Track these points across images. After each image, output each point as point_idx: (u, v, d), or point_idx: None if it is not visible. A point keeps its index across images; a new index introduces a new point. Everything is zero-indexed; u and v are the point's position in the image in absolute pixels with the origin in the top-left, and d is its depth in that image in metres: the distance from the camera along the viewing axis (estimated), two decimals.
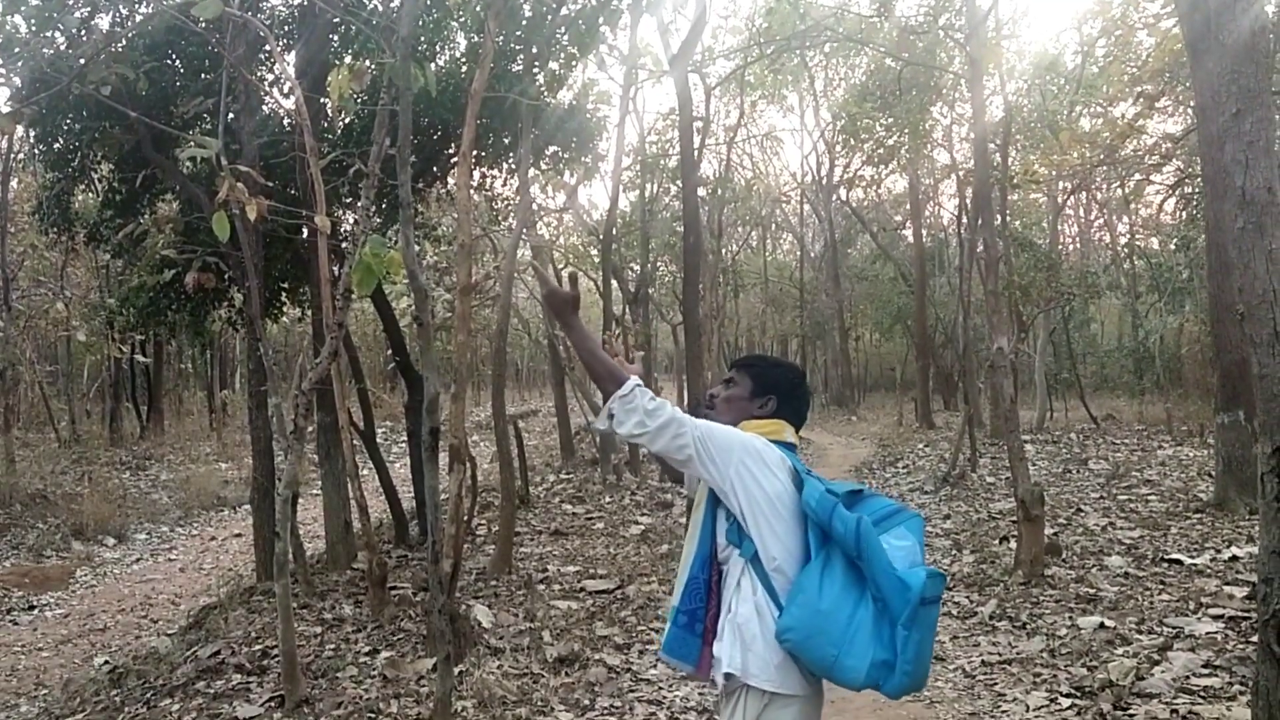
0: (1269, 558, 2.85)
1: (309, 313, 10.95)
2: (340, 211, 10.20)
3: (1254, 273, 3.01)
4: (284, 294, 11.10)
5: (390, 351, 12.88)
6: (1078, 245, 33.44)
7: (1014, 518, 8.90)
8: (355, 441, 8.48)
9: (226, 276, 9.38)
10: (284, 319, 15.85)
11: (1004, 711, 5.31)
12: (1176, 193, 19.18)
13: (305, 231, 9.47)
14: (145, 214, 9.99)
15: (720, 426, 2.61)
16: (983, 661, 6.17)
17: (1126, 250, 24.52)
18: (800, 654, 2.49)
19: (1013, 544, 8.58)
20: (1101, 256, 28.82)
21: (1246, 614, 6.25)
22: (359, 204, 6.78)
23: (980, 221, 11.14)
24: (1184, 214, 20.00)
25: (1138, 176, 19.53)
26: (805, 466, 2.68)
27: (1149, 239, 26.43)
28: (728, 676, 2.53)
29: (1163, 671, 5.42)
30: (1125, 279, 24.45)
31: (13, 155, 17.52)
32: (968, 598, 7.69)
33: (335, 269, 8.17)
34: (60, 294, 18.59)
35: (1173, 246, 21.93)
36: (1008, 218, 18.70)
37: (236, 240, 7.86)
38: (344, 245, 9.64)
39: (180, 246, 9.25)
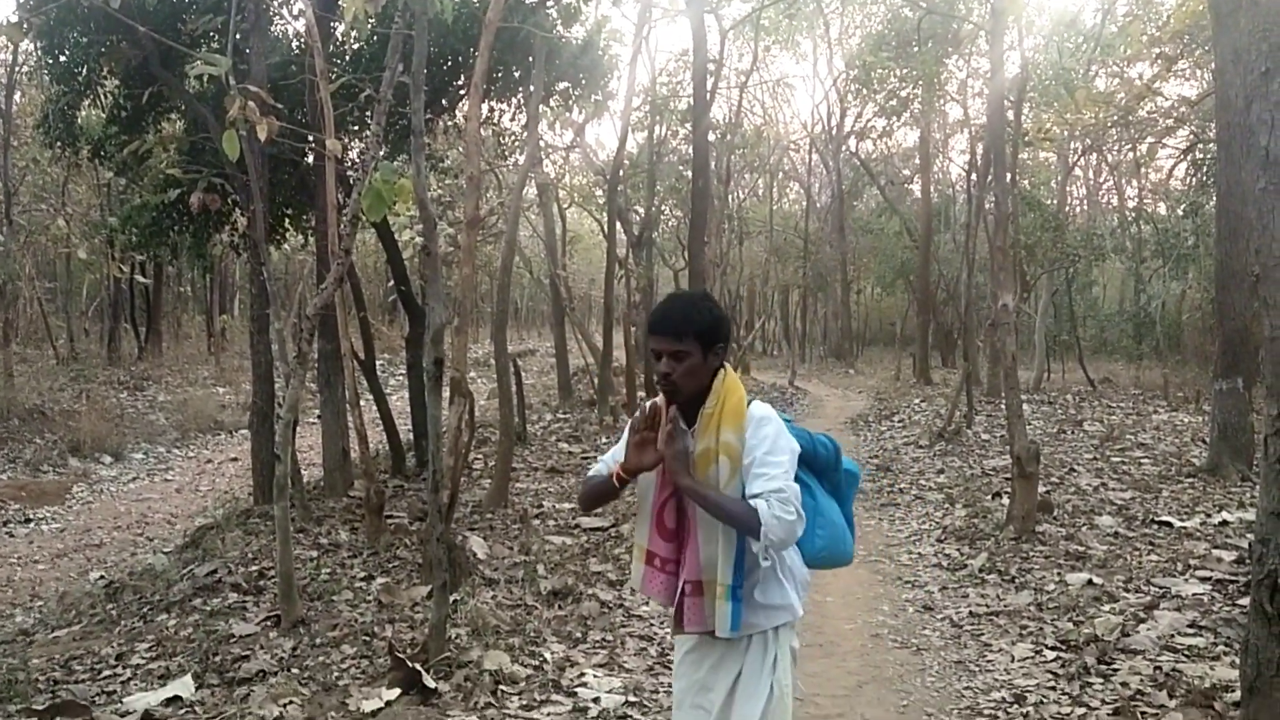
0: (1267, 519, 2.86)
1: (311, 240, 10.90)
2: (346, 139, 10.10)
3: (1273, 234, 2.98)
4: (287, 219, 11.04)
5: (391, 283, 12.82)
6: (1085, 208, 33.26)
7: (1007, 475, 8.96)
8: (355, 370, 8.49)
9: (231, 199, 9.32)
10: (285, 246, 15.78)
11: (989, 661, 5.39)
12: (1188, 158, 19.04)
13: (311, 157, 9.38)
14: (150, 132, 9.88)
15: (788, 462, 2.57)
16: (970, 612, 6.24)
17: (1134, 214, 24.38)
18: (826, 563, 2.85)
19: (1005, 500, 8.64)
20: (1108, 220, 28.67)
21: (1234, 577, 6.32)
22: (367, 131, 6.70)
23: (991, 177, 11.06)
24: (1194, 180, 19.86)
25: (1150, 139, 19.35)
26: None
27: (1157, 204, 26.27)
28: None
29: (1148, 629, 5.49)
30: (1130, 243, 24.34)
31: (18, 67, 17.30)
32: (958, 550, 7.76)
33: (341, 196, 8.11)
34: (61, 210, 18.46)
35: (1180, 212, 21.79)
36: (1017, 176, 18.55)
37: (243, 162, 7.81)
38: (350, 173, 9.57)
39: (185, 166, 9.19)
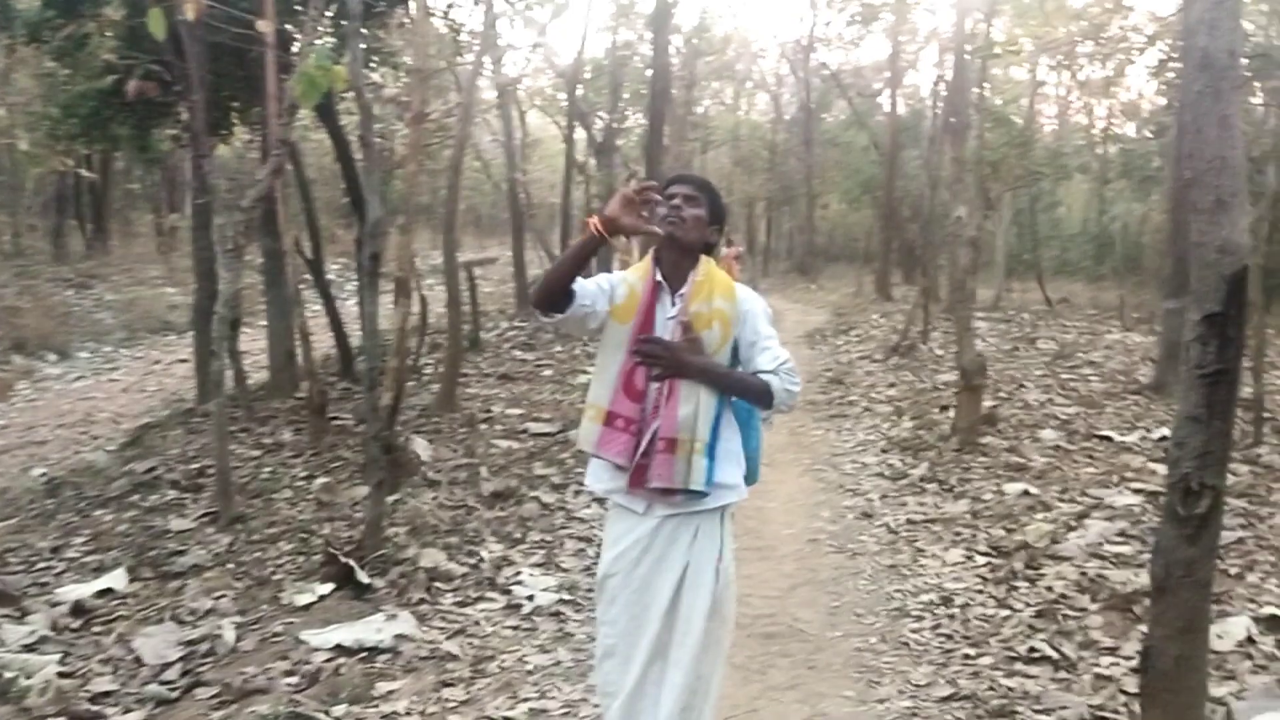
0: (1183, 423, 2.88)
1: (262, 138, 10.58)
2: (294, 27, 9.73)
3: (1205, 139, 2.93)
4: (234, 114, 10.68)
5: (345, 185, 12.51)
6: (1054, 126, 33.09)
7: (956, 389, 9.02)
8: (302, 268, 8.32)
9: (173, 89, 9.00)
10: (236, 143, 15.32)
11: (922, 566, 5.47)
12: (1158, 78, 18.89)
13: (256, 50, 9.00)
14: (88, 16, 9.46)
15: (773, 330, 2.79)
16: (908, 520, 6.32)
17: (1102, 134, 24.31)
18: (752, 464, 2.89)
19: (952, 413, 8.71)
20: (1076, 139, 28.57)
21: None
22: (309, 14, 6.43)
23: (954, 88, 10.91)
24: (1162, 101, 19.76)
25: (1120, 57, 19.18)
26: None
27: (1125, 125, 26.16)
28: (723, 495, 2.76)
29: (1077, 537, 5.58)
30: (1096, 163, 24.31)
31: None
32: (901, 460, 7.83)
33: (283, 86, 7.84)
34: (2, 100, 17.72)
35: (1148, 133, 21.75)
36: (988, 92, 18.34)
37: (181, 49, 7.52)
38: (295, 62, 9.24)
39: (123, 52, 8.83)
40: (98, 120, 9.99)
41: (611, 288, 2.79)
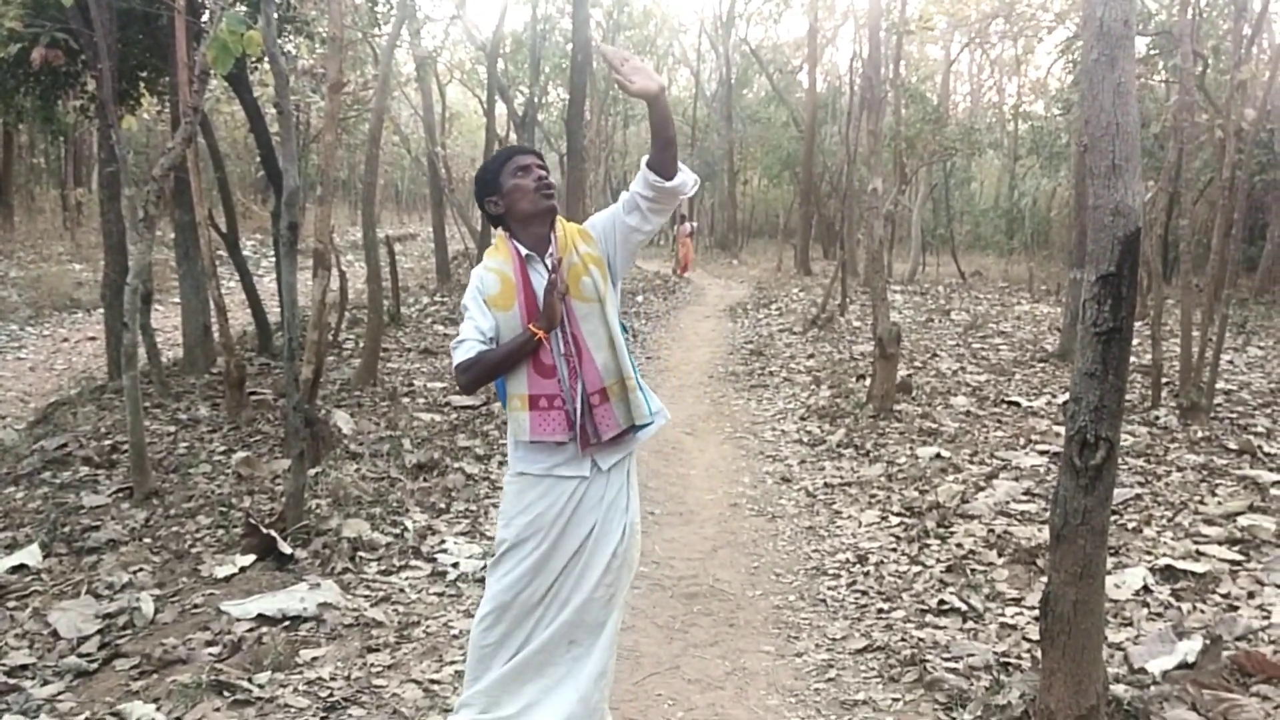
0: (1080, 379, 3.02)
1: (170, 108, 10.29)
2: None
3: (1100, 105, 3.05)
4: (142, 84, 10.37)
5: (260, 159, 12.25)
6: (968, 104, 33.81)
7: (873, 358, 9.25)
8: (216, 240, 8.15)
9: (80, 59, 8.73)
10: (145, 116, 14.88)
11: (838, 527, 5.63)
12: (1065, 56, 19.42)
13: (165, 17, 8.76)
14: None
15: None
16: (825, 483, 6.49)
17: (1012, 111, 24.91)
18: None
19: (868, 381, 8.93)
20: (988, 116, 29.22)
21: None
22: None
23: (869, 62, 11.08)
24: (1070, 78, 20.33)
25: (1030, 35, 19.68)
26: None
27: (1035, 102, 26.85)
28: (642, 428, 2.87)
29: (986, 496, 5.81)
30: (1007, 139, 24.92)
31: None
32: (819, 427, 8.01)
33: (196, 55, 7.64)
34: None
35: (1055, 110, 22.36)
36: (903, 69, 18.67)
37: (88, 16, 7.29)
38: (206, 28, 9.01)
39: (27, 20, 8.52)
40: (1, 91, 9.62)
41: (482, 293, 2.80)
